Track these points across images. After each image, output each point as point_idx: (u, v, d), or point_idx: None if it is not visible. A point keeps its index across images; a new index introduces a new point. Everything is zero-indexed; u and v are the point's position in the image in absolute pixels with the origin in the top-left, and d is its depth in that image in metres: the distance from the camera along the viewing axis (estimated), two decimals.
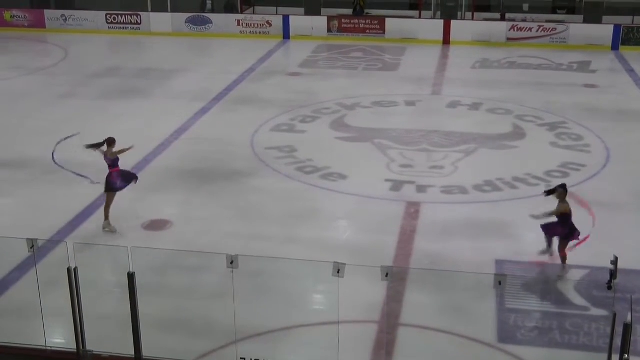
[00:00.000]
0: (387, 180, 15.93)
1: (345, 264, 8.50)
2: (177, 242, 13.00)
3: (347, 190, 15.40)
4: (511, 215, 14.19)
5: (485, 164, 16.99)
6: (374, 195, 15.19)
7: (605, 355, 8.46)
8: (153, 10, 32.92)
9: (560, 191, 11.96)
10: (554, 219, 11.91)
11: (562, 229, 11.90)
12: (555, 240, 12.09)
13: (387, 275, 8.69)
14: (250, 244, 12.90)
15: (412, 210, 14.52)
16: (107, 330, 9.70)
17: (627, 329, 7.74)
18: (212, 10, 33.28)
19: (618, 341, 7.88)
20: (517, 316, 10.98)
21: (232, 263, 8.67)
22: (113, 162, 13.36)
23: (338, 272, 8.59)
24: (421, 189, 15.55)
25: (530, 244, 13.14)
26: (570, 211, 11.88)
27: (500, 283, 8.65)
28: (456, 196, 15.22)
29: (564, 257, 11.98)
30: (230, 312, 9.42)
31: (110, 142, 13.39)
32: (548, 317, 11.11)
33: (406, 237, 13.33)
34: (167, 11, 33.10)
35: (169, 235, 13.49)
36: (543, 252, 12.25)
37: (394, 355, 10.17)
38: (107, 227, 13.42)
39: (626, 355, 7.70)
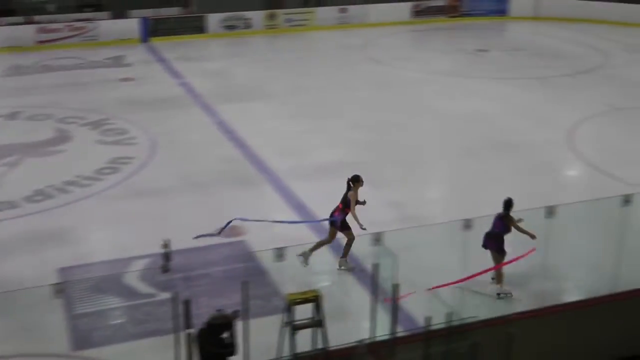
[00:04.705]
0: None
1: None
2: None
3: None
4: (68, 220, 13.98)
5: (32, 174, 16.39)
6: None
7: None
8: None
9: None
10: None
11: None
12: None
13: None
14: None
15: None
16: None
17: (187, 305, 8.14)
18: None
19: None
20: (89, 319, 10.89)
21: None
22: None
23: None
24: None
25: (91, 245, 13.14)
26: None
27: (60, 291, 8.53)
28: (6, 212, 14.45)
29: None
30: None
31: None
32: (120, 313, 11.20)
33: None
34: None
35: None
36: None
37: None
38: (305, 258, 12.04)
39: (188, 330, 8.10)
